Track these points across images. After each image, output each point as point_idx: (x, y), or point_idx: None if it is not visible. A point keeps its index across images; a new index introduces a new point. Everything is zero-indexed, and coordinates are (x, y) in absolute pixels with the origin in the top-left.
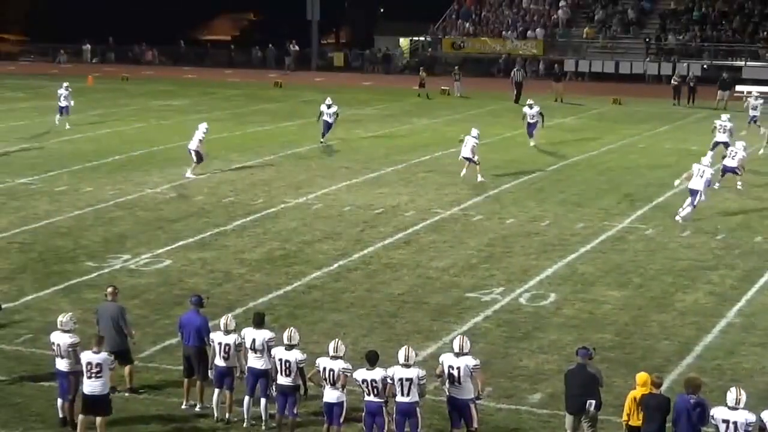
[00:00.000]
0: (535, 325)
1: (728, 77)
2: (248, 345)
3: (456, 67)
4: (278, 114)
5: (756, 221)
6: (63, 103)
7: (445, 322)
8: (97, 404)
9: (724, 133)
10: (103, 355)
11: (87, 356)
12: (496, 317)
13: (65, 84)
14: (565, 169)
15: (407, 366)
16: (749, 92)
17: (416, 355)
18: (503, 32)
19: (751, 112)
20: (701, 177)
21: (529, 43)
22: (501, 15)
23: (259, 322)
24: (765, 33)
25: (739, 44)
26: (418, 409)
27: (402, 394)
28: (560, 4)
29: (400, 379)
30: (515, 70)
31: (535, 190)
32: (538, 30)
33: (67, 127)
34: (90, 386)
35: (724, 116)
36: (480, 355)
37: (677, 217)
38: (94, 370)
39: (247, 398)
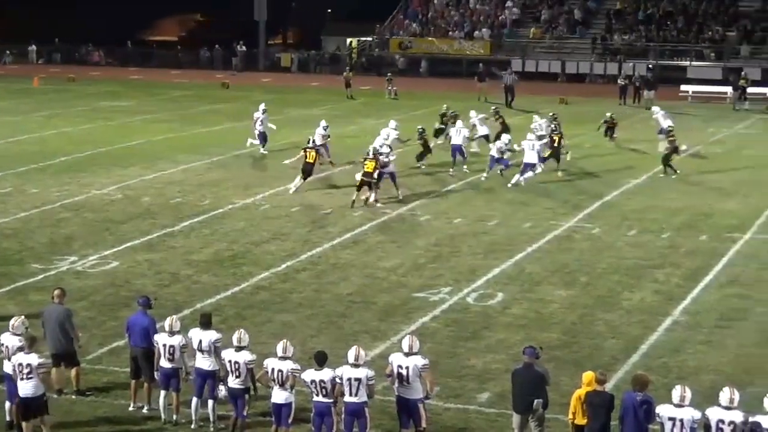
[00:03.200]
0: (482, 325)
1: (652, 77)
2: (195, 346)
3: (389, 73)
4: (225, 114)
5: (701, 221)
6: (260, 129)
7: (393, 322)
8: (32, 406)
9: (261, 125)
10: (34, 356)
11: (19, 357)
12: (443, 317)
13: (262, 106)
14: (513, 169)
15: (356, 366)
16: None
17: (366, 355)
18: (450, 32)
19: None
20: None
21: (476, 43)
22: (448, 15)
23: (205, 323)
24: (709, 33)
25: (683, 44)
26: (366, 409)
27: (351, 395)
28: (507, 5)
29: (349, 379)
30: (506, 73)
31: (482, 190)
32: (484, 30)
33: (263, 151)
34: (23, 388)
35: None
36: (428, 354)
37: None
38: (25, 371)
39: (195, 399)
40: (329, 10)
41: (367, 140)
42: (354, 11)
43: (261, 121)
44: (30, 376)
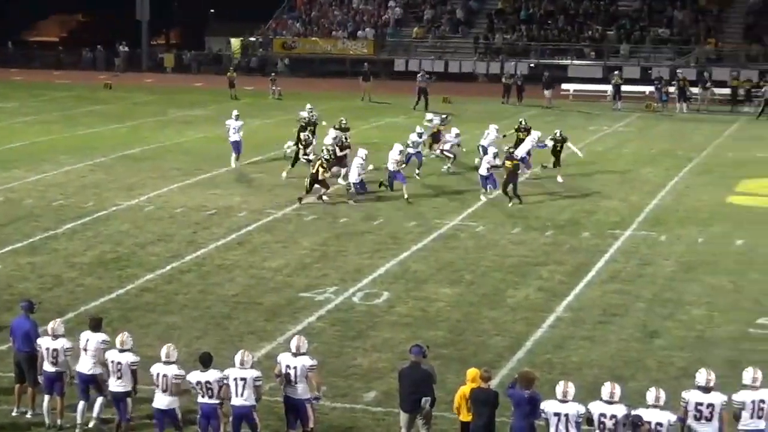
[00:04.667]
0: (368, 324)
1: (549, 76)
2: (82, 346)
3: (273, 73)
4: (108, 116)
5: (584, 218)
6: (235, 138)
7: (279, 323)
8: None
9: (236, 133)
10: None
11: None
12: (329, 316)
13: (235, 113)
14: None
15: (243, 368)
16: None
17: (253, 357)
18: (333, 32)
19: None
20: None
21: (360, 42)
22: (331, 15)
23: (95, 326)
24: (590, 32)
25: (565, 43)
26: (254, 413)
27: (237, 395)
28: (389, 4)
29: (235, 379)
30: (419, 75)
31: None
32: (368, 30)
33: (234, 165)
34: None
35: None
36: (314, 354)
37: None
38: None
39: (81, 403)
40: (212, 10)
41: (251, 141)
42: (237, 11)
43: (235, 129)
44: None
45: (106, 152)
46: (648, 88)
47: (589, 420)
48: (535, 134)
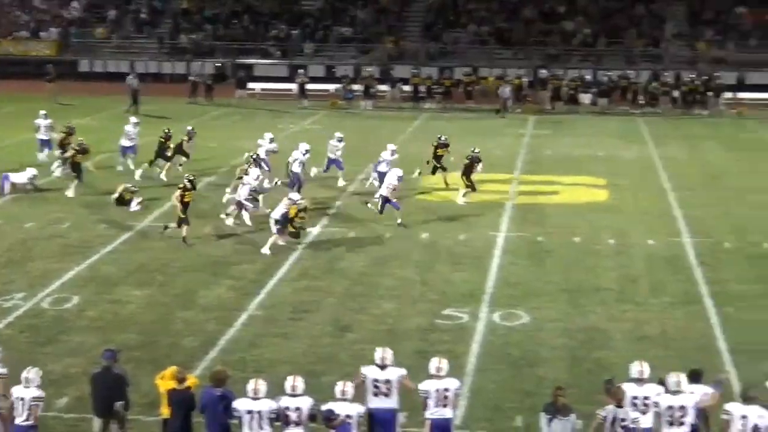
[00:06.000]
0: (59, 329)
1: (244, 76)
2: None
3: None
4: None
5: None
6: (44, 136)
7: None
8: None
9: (45, 132)
10: None
11: None
12: (18, 323)
13: (43, 112)
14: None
15: (26, 387)
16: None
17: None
18: (15, 32)
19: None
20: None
21: (43, 43)
22: (12, 15)
23: None
24: (275, 32)
25: (250, 42)
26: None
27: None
28: (72, 4)
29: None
30: (130, 77)
31: (52, 193)
32: (52, 30)
33: (56, 165)
34: None
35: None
36: (4, 363)
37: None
38: None
39: None
40: None
41: None
42: None
43: (44, 128)
44: None
45: None
46: (333, 86)
47: (279, 415)
48: (303, 146)
